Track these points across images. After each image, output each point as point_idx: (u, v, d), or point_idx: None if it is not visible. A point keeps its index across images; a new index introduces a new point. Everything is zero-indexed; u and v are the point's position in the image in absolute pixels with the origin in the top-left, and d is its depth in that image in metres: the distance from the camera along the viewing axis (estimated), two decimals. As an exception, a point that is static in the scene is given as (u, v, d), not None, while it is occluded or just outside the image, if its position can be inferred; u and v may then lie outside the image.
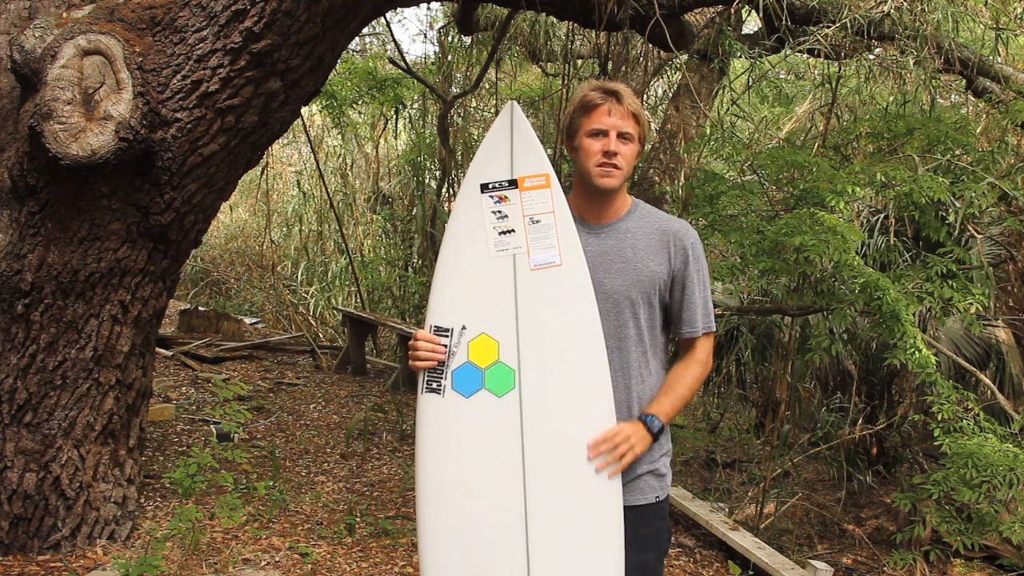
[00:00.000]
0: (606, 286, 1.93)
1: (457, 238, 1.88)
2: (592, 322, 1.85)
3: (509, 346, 1.83)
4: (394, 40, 8.37)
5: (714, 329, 2.04)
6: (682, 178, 5.20)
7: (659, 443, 2.01)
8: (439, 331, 1.86)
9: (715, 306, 4.84)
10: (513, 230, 1.86)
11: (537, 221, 1.86)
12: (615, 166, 1.92)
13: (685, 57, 5.27)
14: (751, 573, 3.66)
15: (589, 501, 1.84)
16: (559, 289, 1.85)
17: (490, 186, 1.87)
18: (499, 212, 1.87)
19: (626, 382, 1.94)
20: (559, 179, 1.89)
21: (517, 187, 1.86)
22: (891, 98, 5.87)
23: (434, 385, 1.86)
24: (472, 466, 1.85)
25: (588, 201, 2.00)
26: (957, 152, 4.15)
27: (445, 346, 1.86)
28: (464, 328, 1.85)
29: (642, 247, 1.96)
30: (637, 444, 1.87)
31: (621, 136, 1.93)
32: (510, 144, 1.87)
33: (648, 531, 1.97)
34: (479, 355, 1.84)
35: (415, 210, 9.78)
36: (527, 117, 1.92)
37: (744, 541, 3.79)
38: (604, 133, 1.93)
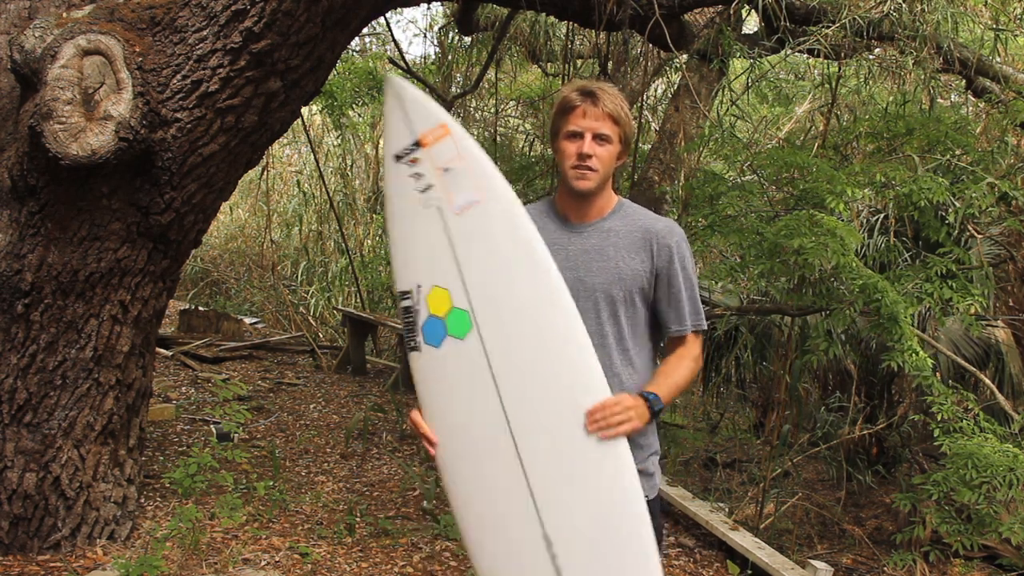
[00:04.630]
0: (587, 284, 1.94)
1: (394, 212, 1.99)
2: (530, 244, 1.88)
3: (458, 291, 1.91)
4: (394, 40, 8.38)
5: (704, 328, 2.02)
6: (682, 178, 5.20)
7: (648, 443, 2.01)
8: (403, 295, 1.95)
9: (715, 306, 4.87)
10: (432, 185, 1.93)
11: (449, 169, 1.92)
12: (590, 168, 1.93)
13: (685, 57, 5.27)
14: (750, 573, 3.66)
15: (583, 429, 1.86)
16: (488, 223, 1.90)
17: (400, 155, 1.95)
18: (416, 175, 1.94)
19: (608, 380, 1.93)
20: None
21: (422, 146, 1.93)
22: (891, 98, 5.87)
23: (412, 344, 1.96)
24: (460, 409, 1.94)
25: (571, 201, 2.01)
26: (957, 152, 4.15)
27: (412, 319, 1.94)
28: (419, 286, 1.94)
29: (624, 246, 1.97)
30: (636, 417, 1.82)
31: (597, 137, 1.93)
32: (403, 111, 1.94)
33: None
34: (437, 306, 1.93)
35: (415, 210, 9.74)
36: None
37: (744, 541, 3.79)
38: (580, 135, 1.93)
